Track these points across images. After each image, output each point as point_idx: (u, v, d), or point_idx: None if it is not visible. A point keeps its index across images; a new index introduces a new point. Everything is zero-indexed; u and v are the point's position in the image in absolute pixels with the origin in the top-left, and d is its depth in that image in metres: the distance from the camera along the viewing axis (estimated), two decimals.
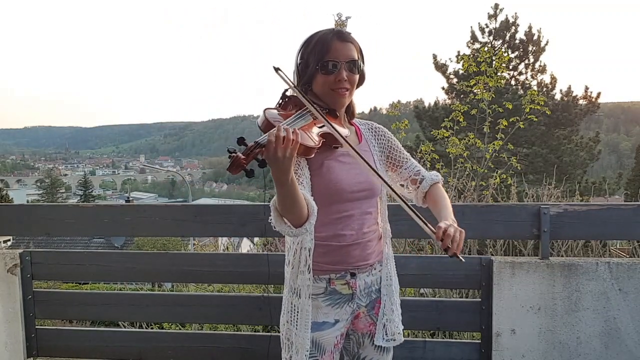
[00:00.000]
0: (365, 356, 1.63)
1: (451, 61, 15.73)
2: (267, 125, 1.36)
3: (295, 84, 1.54)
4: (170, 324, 3.77)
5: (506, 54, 10.26)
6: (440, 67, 16.28)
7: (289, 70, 1.54)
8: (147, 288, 8.32)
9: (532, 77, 16.52)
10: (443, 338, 3.05)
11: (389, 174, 1.70)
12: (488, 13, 16.44)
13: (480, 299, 2.43)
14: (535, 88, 15.05)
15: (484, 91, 6.94)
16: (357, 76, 1.53)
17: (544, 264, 2.34)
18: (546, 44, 16.38)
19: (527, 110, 6.59)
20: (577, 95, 15.98)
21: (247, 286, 4.16)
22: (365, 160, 1.44)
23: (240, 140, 1.22)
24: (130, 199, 46.07)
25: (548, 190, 4.65)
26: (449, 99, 16.74)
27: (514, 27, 16.31)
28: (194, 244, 12.43)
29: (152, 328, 3.78)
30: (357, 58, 1.51)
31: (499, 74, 7.08)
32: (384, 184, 1.47)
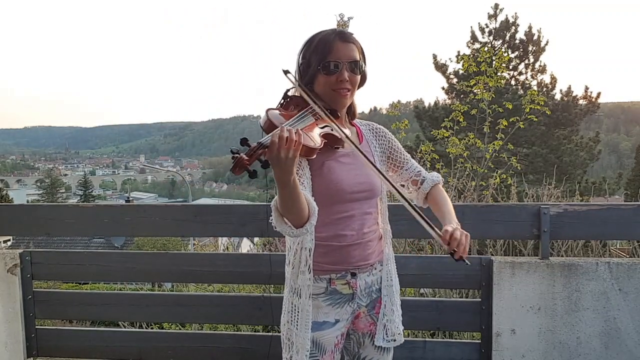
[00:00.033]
0: (365, 356, 1.63)
1: (451, 61, 15.76)
2: (269, 126, 1.36)
3: (299, 85, 1.54)
4: (170, 324, 3.77)
5: (506, 54, 10.25)
6: (440, 67, 16.29)
7: (292, 70, 1.55)
8: (147, 288, 8.32)
9: (532, 77, 16.54)
10: (443, 338, 3.05)
11: (390, 174, 1.70)
12: (488, 13, 16.46)
13: (480, 299, 2.43)
14: (535, 88, 15.06)
15: (484, 91, 6.94)
16: (359, 77, 1.53)
17: (544, 264, 2.34)
18: (546, 44, 16.39)
19: (527, 110, 6.59)
20: (577, 95, 16.00)
21: (247, 286, 4.16)
22: (371, 162, 1.46)
23: (244, 141, 1.22)
24: (130, 199, 46.08)
25: (548, 190, 4.65)
26: (449, 99, 16.75)
27: (514, 27, 16.31)
28: (194, 244, 12.43)
29: (152, 328, 3.78)
30: (358, 59, 1.51)
31: (499, 74, 7.08)
32: (390, 185, 1.48)
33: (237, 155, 1.18)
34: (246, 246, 11.51)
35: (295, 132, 1.24)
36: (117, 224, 2.65)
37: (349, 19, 1.54)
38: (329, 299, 1.52)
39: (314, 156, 1.38)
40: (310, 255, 1.46)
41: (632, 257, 3.77)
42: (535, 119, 6.96)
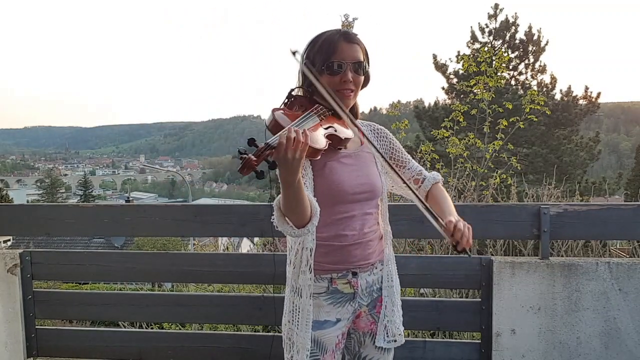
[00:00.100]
0: (366, 355, 1.63)
1: (451, 61, 15.76)
2: (275, 126, 1.35)
3: (300, 84, 1.55)
4: (170, 324, 3.77)
5: (506, 54, 10.27)
6: (440, 67, 16.28)
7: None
8: (147, 288, 8.33)
9: (532, 77, 16.54)
10: (443, 338, 3.05)
11: (391, 175, 1.70)
12: (488, 13, 16.45)
13: (480, 299, 2.43)
14: (535, 88, 15.06)
15: (484, 91, 6.94)
16: (362, 78, 1.54)
17: (544, 264, 2.34)
18: (546, 44, 16.39)
19: (527, 110, 6.59)
20: (577, 95, 16.00)
21: (247, 286, 4.17)
22: (381, 154, 1.50)
23: (251, 141, 1.21)
24: (130, 199, 46.10)
25: (548, 190, 4.65)
26: (449, 99, 16.75)
27: (514, 27, 16.31)
28: (194, 244, 12.43)
29: (152, 328, 3.78)
30: (362, 60, 1.52)
31: (499, 74, 7.08)
32: (399, 179, 1.51)
33: (245, 155, 1.17)
34: (246, 246, 11.52)
35: (302, 133, 1.24)
36: (117, 224, 2.65)
37: (354, 19, 1.54)
38: (330, 298, 1.52)
39: (319, 157, 1.39)
40: (311, 255, 1.47)
41: (632, 257, 3.77)
42: (535, 119, 6.97)
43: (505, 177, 6.11)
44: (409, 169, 1.70)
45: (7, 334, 2.66)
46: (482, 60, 6.92)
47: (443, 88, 16.82)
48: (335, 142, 1.46)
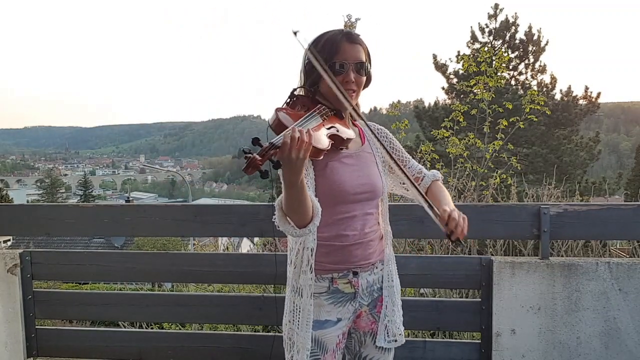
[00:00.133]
0: (366, 355, 1.63)
1: (451, 61, 15.75)
2: (278, 125, 1.36)
3: (302, 84, 1.55)
4: (170, 324, 3.77)
5: (506, 54, 10.27)
6: (440, 67, 16.28)
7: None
8: (147, 288, 8.33)
9: (532, 77, 16.53)
10: (443, 338, 3.05)
11: (391, 175, 1.71)
12: (488, 13, 16.44)
13: (480, 299, 2.43)
14: (535, 88, 15.05)
15: (484, 91, 6.94)
16: (364, 78, 1.54)
17: (544, 264, 2.34)
18: (546, 44, 16.39)
19: (527, 110, 6.59)
20: (577, 95, 16.00)
21: (247, 286, 4.16)
22: (383, 145, 1.52)
23: (255, 141, 1.21)
24: (130, 199, 46.11)
25: (548, 190, 4.65)
26: (449, 99, 16.75)
27: (514, 27, 16.30)
28: (194, 244, 12.43)
29: (152, 328, 3.78)
30: (365, 60, 1.52)
31: (499, 74, 7.08)
32: (400, 170, 1.52)
33: (249, 155, 1.17)
34: (246, 246, 11.52)
35: (306, 133, 1.25)
36: (117, 224, 2.65)
37: (357, 20, 1.54)
38: (331, 298, 1.52)
39: (321, 157, 1.39)
40: (312, 255, 1.47)
41: (632, 257, 3.77)
42: (535, 119, 6.97)
43: (505, 177, 6.11)
44: (409, 167, 1.71)
45: (7, 334, 2.66)
46: (482, 60, 6.92)
47: (443, 88, 16.83)
48: (337, 142, 1.47)
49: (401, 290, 1.75)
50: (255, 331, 3.48)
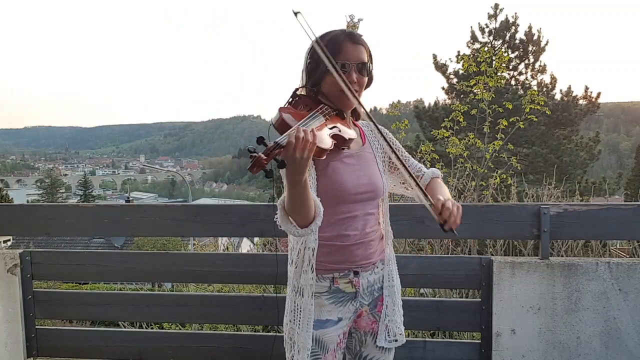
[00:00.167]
0: (367, 354, 1.63)
1: (451, 61, 15.75)
2: (281, 125, 1.35)
3: (304, 84, 1.55)
4: (170, 324, 3.77)
5: (506, 54, 10.26)
6: (440, 67, 16.28)
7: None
8: (147, 288, 8.33)
9: (532, 77, 16.53)
10: (443, 338, 3.05)
11: (391, 174, 1.71)
12: (488, 13, 16.45)
13: (480, 299, 2.43)
14: (535, 88, 15.05)
15: (484, 91, 6.94)
16: (366, 78, 1.54)
17: (544, 264, 2.34)
18: (546, 44, 16.38)
19: (527, 110, 6.59)
20: (577, 95, 16.00)
21: (247, 286, 4.16)
22: (389, 145, 1.53)
23: (260, 140, 1.21)
24: (130, 199, 46.12)
25: (548, 190, 4.65)
26: (449, 99, 16.75)
27: (514, 27, 16.30)
28: (194, 244, 12.43)
29: (152, 328, 3.78)
30: (367, 61, 1.52)
31: (499, 74, 7.08)
32: (402, 166, 1.53)
33: (254, 154, 1.17)
34: (246, 246, 11.52)
35: (311, 132, 1.25)
36: (117, 224, 2.65)
37: (359, 20, 1.54)
38: (332, 298, 1.52)
39: (324, 157, 1.39)
40: (313, 255, 1.47)
41: (632, 257, 3.77)
42: (535, 119, 6.96)
43: (505, 177, 6.11)
44: (409, 166, 1.71)
45: (7, 334, 2.66)
46: (482, 60, 6.92)
47: (443, 88, 16.83)
48: (340, 142, 1.47)
49: (401, 290, 1.75)
50: (255, 331, 3.48)
